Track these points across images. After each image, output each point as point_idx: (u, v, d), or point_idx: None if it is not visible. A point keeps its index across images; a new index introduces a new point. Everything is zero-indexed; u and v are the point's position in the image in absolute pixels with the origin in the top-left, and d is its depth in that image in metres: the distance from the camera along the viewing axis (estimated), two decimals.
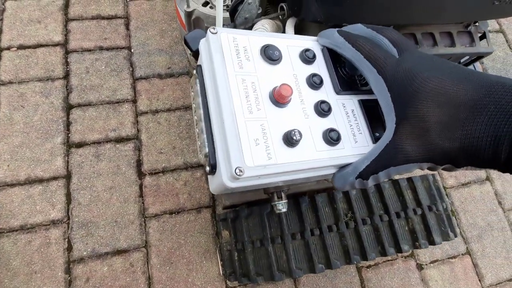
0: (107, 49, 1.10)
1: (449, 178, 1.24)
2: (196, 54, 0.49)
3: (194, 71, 0.41)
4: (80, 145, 0.97)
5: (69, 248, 0.86)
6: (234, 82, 0.33)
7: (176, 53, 1.15)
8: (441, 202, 0.75)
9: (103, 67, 1.07)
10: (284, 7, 0.59)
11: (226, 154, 0.32)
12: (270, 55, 0.37)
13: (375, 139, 0.40)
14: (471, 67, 0.93)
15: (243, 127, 0.32)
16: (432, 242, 0.70)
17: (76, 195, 0.91)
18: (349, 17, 0.56)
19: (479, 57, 0.79)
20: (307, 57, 0.40)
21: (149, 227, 0.92)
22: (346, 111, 0.39)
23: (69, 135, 0.97)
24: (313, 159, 0.34)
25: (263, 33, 0.41)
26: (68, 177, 0.93)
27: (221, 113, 0.32)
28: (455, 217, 1.20)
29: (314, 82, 0.38)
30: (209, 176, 0.39)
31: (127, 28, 1.15)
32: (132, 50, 1.12)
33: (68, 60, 1.05)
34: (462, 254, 1.12)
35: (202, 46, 0.38)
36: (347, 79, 0.41)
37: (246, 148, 0.31)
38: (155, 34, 1.16)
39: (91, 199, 0.92)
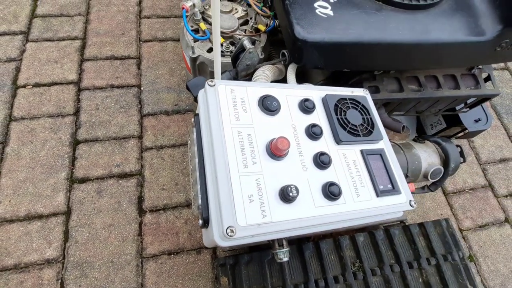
0: (118, 87, 1.14)
1: (465, 219, 1.17)
2: (197, 99, 0.49)
3: (192, 120, 0.41)
4: (83, 180, 0.97)
5: None
6: (229, 135, 0.33)
7: (184, 90, 1.18)
8: (457, 251, 0.70)
9: (112, 104, 1.11)
10: (286, 53, 0.61)
11: (218, 211, 0.30)
12: (268, 106, 0.37)
13: (380, 192, 0.38)
14: (479, 108, 0.92)
15: (236, 183, 0.30)
16: None
17: (74, 233, 0.89)
18: (350, 64, 0.57)
19: (485, 98, 0.78)
20: (306, 107, 0.39)
21: (146, 268, 0.88)
22: (348, 162, 0.38)
23: (74, 170, 0.98)
24: (311, 216, 0.32)
25: (262, 83, 0.41)
26: (68, 213, 0.91)
27: (214, 167, 0.31)
28: (475, 263, 1.11)
29: (314, 133, 0.37)
30: (203, 230, 0.37)
31: (139, 68, 1.20)
32: (142, 88, 1.16)
33: (80, 97, 1.10)
34: None
35: (200, 96, 0.39)
36: (349, 128, 0.40)
37: (239, 206, 0.29)
38: (164, 73, 1.21)
39: (89, 237, 0.89)
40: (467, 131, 0.98)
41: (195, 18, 0.66)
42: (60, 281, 0.82)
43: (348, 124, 0.40)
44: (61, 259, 0.85)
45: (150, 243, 0.92)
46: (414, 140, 0.77)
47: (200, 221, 0.34)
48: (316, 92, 0.44)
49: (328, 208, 0.34)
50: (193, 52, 0.62)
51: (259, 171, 0.33)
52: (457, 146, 0.77)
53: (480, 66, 0.76)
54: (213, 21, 0.30)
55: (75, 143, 1.02)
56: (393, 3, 0.54)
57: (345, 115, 0.41)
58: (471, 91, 0.74)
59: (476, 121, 0.98)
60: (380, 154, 0.41)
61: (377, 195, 0.38)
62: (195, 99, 0.51)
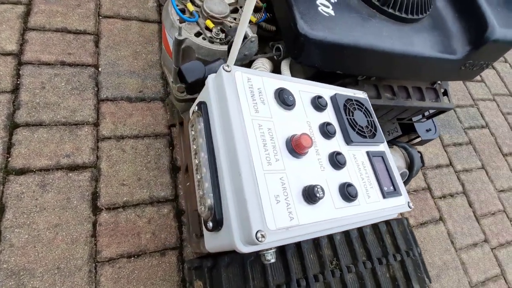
0: (70, 65, 0.99)
1: (410, 218, 1.31)
2: (191, 86, 0.44)
3: (194, 108, 0.36)
4: (22, 172, 0.81)
5: None
6: (251, 128, 0.30)
7: (150, 76, 1.08)
8: (416, 247, 0.77)
9: (63, 84, 0.95)
10: (281, 47, 0.59)
11: (243, 213, 0.27)
12: (285, 99, 0.35)
13: (385, 194, 0.38)
14: (430, 122, 1.03)
15: (263, 182, 0.27)
16: None
17: (9, 235, 0.74)
18: (343, 67, 0.58)
19: (442, 111, 0.88)
20: (320, 104, 0.38)
21: (101, 274, 0.78)
22: (357, 164, 0.38)
23: (9, 159, 0.81)
24: (333, 218, 0.31)
25: (276, 75, 0.39)
26: (0, 211, 0.75)
27: (236, 164, 0.28)
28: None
29: (328, 131, 0.36)
30: (208, 233, 0.33)
31: (96, 46, 1.06)
32: (100, 69, 1.02)
33: (21, 72, 0.92)
34: None
35: (211, 82, 0.34)
36: (357, 129, 0.40)
37: (267, 208, 0.27)
38: (127, 55, 1.09)
39: (29, 239, 0.75)
40: (419, 139, 1.10)
41: None
42: None
43: (356, 125, 0.40)
44: None
45: (106, 245, 0.81)
46: None
47: (210, 224, 0.31)
48: (325, 90, 0.43)
49: (346, 209, 0.33)
50: (180, 34, 0.56)
51: (282, 169, 0.30)
52: (418, 152, 0.85)
53: (440, 82, 0.85)
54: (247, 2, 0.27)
55: (12, 126, 0.85)
56: (386, 13, 0.56)
57: (352, 115, 0.41)
58: (433, 104, 0.82)
59: (427, 130, 1.10)
60: (382, 156, 0.42)
61: (384, 197, 0.38)
62: (189, 87, 0.46)
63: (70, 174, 0.85)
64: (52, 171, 0.84)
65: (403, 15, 0.57)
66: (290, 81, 0.39)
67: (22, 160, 0.82)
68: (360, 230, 0.72)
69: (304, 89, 0.40)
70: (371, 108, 0.46)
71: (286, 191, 0.29)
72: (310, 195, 0.29)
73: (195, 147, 0.35)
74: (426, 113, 0.96)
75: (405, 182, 0.80)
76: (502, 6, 0.61)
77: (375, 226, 0.74)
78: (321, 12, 0.51)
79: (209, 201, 0.31)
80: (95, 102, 0.97)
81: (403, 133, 1.11)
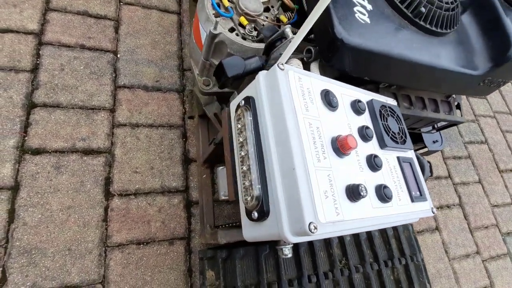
0: (90, 49, 0.99)
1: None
2: (226, 82, 0.46)
3: (241, 102, 0.38)
4: (38, 152, 0.81)
5: (3, 280, 0.67)
6: (303, 126, 0.31)
7: (167, 67, 1.08)
8: (419, 253, 0.80)
9: (81, 68, 0.95)
10: (312, 50, 0.61)
11: (294, 205, 0.28)
12: (330, 101, 0.36)
13: (414, 198, 0.40)
14: (437, 134, 1.05)
15: (314, 178, 0.29)
16: None
17: (22, 213, 0.74)
18: (372, 74, 0.60)
19: (453, 124, 0.90)
20: (359, 108, 0.40)
21: (110, 258, 0.78)
22: (390, 168, 0.40)
23: (26, 138, 0.81)
24: (371, 217, 0.33)
25: (321, 76, 0.40)
26: (15, 189, 0.76)
27: (290, 159, 0.29)
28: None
29: (367, 135, 0.38)
30: (249, 223, 0.34)
31: (116, 32, 1.06)
32: (119, 56, 1.02)
33: (41, 52, 0.91)
34: None
35: (262, 79, 0.36)
36: (390, 134, 0.42)
37: (318, 201, 0.28)
38: (146, 43, 1.09)
39: (42, 219, 0.75)
40: (426, 149, 1.12)
41: None
42: (1, 268, 0.68)
43: (390, 131, 0.42)
44: (3, 243, 0.70)
45: (117, 230, 0.82)
46: None
47: (255, 214, 0.32)
48: (362, 95, 0.45)
49: (382, 209, 0.35)
50: (215, 28, 0.57)
51: (329, 166, 0.32)
52: (428, 162, 0.88)
53: (454, 96, 0.88)
54: (314, 12, 0.28)
55: (30, 106, 0.85)
56: (417, 25, 0.58)
57: (387, 121, 0.43)
58: (446, 116, 0.84)
59: (434, 142, 1.13)
60: (410, 162, 0.44)
61: (412, 201, 0.40)
62: (225, 81, 0.47)
63: (85, 158, 0.86)
64: (67, 153, 0.84)
65: (433, 28, 0.59)
66: (333, 84, 0.41)
67: (39, 140, 0.82)
68: (368, 233, 0.75)
69: (345, 93, 0.41)
70: (401, 115, 0.47)
71: (332, 188, 0.31)
72: (354, 193, 0.31)
73: (241, 140, 0.36)
74: (436, 125, 0.98)
75: None
76: None
77: (382, 230, 0.77)
78: (358, 18, 0.52)
79: (256, 192, 0.32)
80: (112, 88, 0.97)
81: (412, 142, 1.13)
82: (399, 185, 0.39)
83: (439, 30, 0.59)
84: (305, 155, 0.30)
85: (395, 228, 0.79)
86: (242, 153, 0.35)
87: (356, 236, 0.73)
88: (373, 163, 0.36)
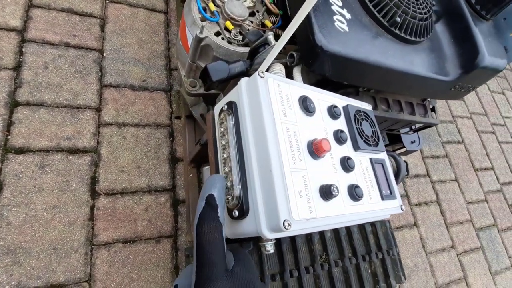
0: (75, 47, 0.98)
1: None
2: (211, 85, 0.48)
3: (223, 107, 0.40)
4: (21, 151, 0.80)
5: None
6: (281, 130, 0.34)
7: (154, 67, 1.09)
8: (395, 247, 0.84)
9: (66, 66, 0.94)
10: (295, 55, 0.63)
11: (271, 204, 0.31)
12: (307, 106, 0.39)
13: (384, 196, 0.44)
14: (415, 134, 1.11)
15: (289, 178, 0.32)
16: (389, 285, 0.77)
17: (6, 213, 0.73)
18: (350, 78, 0.63)
19: (428, 126, 0.96)
20: (335, 113, 0.43)
21: (97, 257, 0.79)
22: (363, 168, 0.43)
23: (9, 137, 0.80)
24: (342, 214, 0.36)
25: (299, 83, 0.43)
26: None
27: (267, 161, 0.32)
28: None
29: (341, 138, 0.41)
30: (230, 220, 0.37)
31: (102, 30, 1.05)
32: (105, 54, 1.02)
33: (24, 50, 0.90)
34: None
35: (244, 85, 0.38)
36: (364, 137, 0.45)
37: (293, 200, 0.31)
38: (133, 42, 1.09)
39: (26, 219, 0.75)
40: (404, 149, 1.18)
41: None
42: None
43: (363, 134, 0.45)
44: None
45: (103, 229, 0.82)
46: None
47: (236, 212, 0.35)
48: (338, 100, 0.48)
49: (353, 207, 0.38)
50: (201, 32, 0.59)
51: (304, 168, 0.35)
52: (405, 161, 0.93)
53: (429, 99, 0.93)
54: (297, 18, 0.31)
55: (13, 104, 0.83)
56: (392, 33, 0.62)
57: (361, 125, 0.46)
58: (421, 118, 0.89)
59: (412, 142, 1.19)
60: (382, 163, 0.47)
61: (382, 199, 0.44)
62: (210, 85, 0.49)
63: (70, 157, 0.85)
64: (52, 152, 0.84)
65: (407, 37, 0.63)
66: (311, 90, 0.43)
67: (22, 139, 0.81)
68: (348, 229, 0.78)
69: (322, 98, 0.44)
70: (375, 119, 0.51)
71: (307, 188, 0.33)
72: (327, 192, 0.34)
73: (223, 143, 0.38)
74: (415, 126, 1.04)
75: None
76: (493, 36, 0.68)
77: (361, 226, 0.81)
78: (337, 27, 0.55)
79: (237, 191, 0.34)
80: (98, 87, 0.97)
81: (390, 142, 1.19)
82: (371, 185, 0.43)
83: (413, 38, 0.63)
84: (281, 158, 0.32)
85: (373, 224, 0.83)
86: (225, 155, 0.37)
87: (336, 232, 0.77)
88: (346, 164, 0.39)
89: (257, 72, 0.37)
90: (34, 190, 0.78)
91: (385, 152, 0.49)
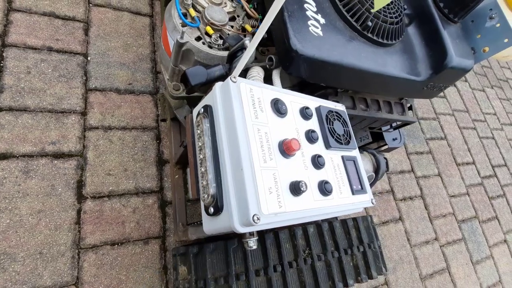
0: (58, 51, 0.98)
1: (374, 217, 1.45)
2: (191, 89, 0.50)
3: (200, 110, 0.42)
4: (4, 156, 0.80)
5: None
6: (252, 132, 0.36)
7: (140, 70, 1.10)
8: (376, 240, 0.88)
9: (49, 70, 0.94)
10: (273, 58, 0.66)
11: (242, 200, 0.33)
12: (279, 108, 0.41)
13: (354, 191, 0.47)
14: (397, 132, 1.15)
15: (259, 176, 0.34)
16: (370, 277, 0.81)
17: None
18: (326, 80, 0.66)
19: (406, 124, 1.00)
20: (306, 114, 0.45)
21: (84, 260, 0.80)
22: (334, 165, 0.46)
23: None
24: (312, 208, 0.39)
25: (272, 86, 0.45)
26: None
27: (239, 161, 0.34)
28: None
29: (312, 137, 0.44)
30: (207, 217, 0.39)
31: (86, 34, 1.05)
32: (89, 58, 1.02)
33: (4, 54, 0.89)
34: (381, 285, 1.28)
35: (218, 89, 0.40)
36: (335, 136, 0.48)
37: (262, 196, 0.33)
38: (118, 46, 1.09)
39: (10, 224, 0.75)
40: (386, 146, 1.22)
41: (185, 2, 0.64)
42: None
43: (335, 133, 0.48)
44: None
45: (90, 232, 0.83)
46: None
47: (211, 209, 0.37)
48: (311, 102, 0.50)
49: (323, 202, 0.41)
50: (182, 37, 0.60)
51: (275, 166, 0.37)
52: (385, 158, 0.96)
53: (406, 98, 0.97)
54: (264, 21, 0.33)
55: None
56: (365, 37, 0.65)
57: (332, 125, 0.49)
58: (399, 117, 0.93)
59: (394, 139, 1.23)
60: (354, 160, 0.50)
61: (353, 193, 0.47)
62: (190, 89, 0.51)
63: (55, 161, 0.86)
64: (36, 157, 0.84)
65: (380, 40, 0.66)
66: (283, 93, 0.46)
67: (5, 145, 0.81)
68: (330, 224, 0.81)
69: (294, 100, 0.46)
70: (348, 119, 0.54)
71: (277, 185, 0.36)
72: (296, 188, 0.36)
73: (200, 144, 0.40)
74: (396, 123, 1.08)
75: (371, 184, 0.90)
76: (461, 39, 0.72)
77: (343, 222, 0.84)
78: (312, 31, 0.58)
79: (212, 190, 0.37)
80: (83, 91, 0.97)
81: (373, 140, 1.23)
82: (341, 180, 0.45)
83: (385, 41, 0.66)
84: (252, 157, 0.34)
85: (355, 219, 0.86)
86: (201, 156, 0.39)
87: (319, 227, 0.79)
88: (317, 162, 0.42)
89: (229, 77, 0.39)
90: (18, 196, 0.78)
91: (357, 150, 0.52)
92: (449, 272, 1.50)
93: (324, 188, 0.40)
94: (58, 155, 0.87)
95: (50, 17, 1.01)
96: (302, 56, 0.55)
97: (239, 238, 0.67)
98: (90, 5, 1.10)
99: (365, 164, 0.90)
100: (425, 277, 1.42)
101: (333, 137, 0.47)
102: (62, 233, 0.80)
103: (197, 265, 0.68)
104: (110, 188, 0.90)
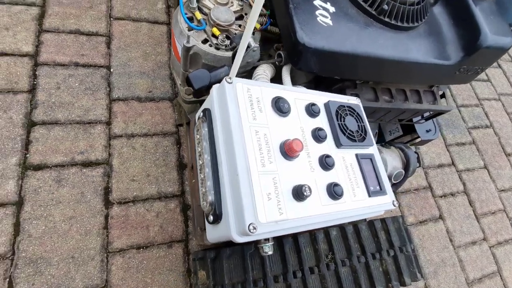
0: (84, 66, 1.04)
1: (409, 216, 1.34)
2: (197, 92, 0.49)
3: (199, 114, 0.41)
4: (39, 167, 0.87)
5: None
6: (248, 134, 0.34)
7: (159, 77, 1.12)
8: (409, 244, 0.80)
9: (76, 84, 1.00)
10: (282, 54, 0.63)
11: (238, 208, 0.31)
12: (280, 107, 0.38)
13: (371, 193, 0.42)
14: (431, 123, 1.05)
15: (256, 181, 0.32)
16: (403, 283, 0.74)
17: (27, 226, 0.80)
18: (340, 73, 0.61)
19: (440, 113, 0.90)
20: (313, 111, 0.42)
21: (112, 264, 0.83)
22: (346, 165, 0.41)
23: (27, 155, 0.87)
24: (319, 214, 0.35)
25: (273, 84, 0.42)
26: (19, 204, 0.81)
27: (234, 166, 0.32)
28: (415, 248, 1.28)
29: (319, 136, 0.40)
30: (209, 225, 0.37)
31: (108, 47, 1.10)
32: (112, 70, 1.07)
33: (37, 73, 0.97)
34: None
35: (215, 92, 0.38)
36: (347, 133, 0.44)
37: (260, 204, 0.31)
38: (138, 56, 1.13)
39: (45, 230, 0.81)
40: (419, 139, 1.12)
41: (190, 5, 0.64)
42: (8, 279, 0.73)
43: (347, 130, 0.44)
44: (9, 255, 0.76)
45: (117, 237, 0.87)
46: (381, 145, 0.86)
47: (211, 217, 0.35)
48: (319, 97, 0.47)
49: (332, 206, 0.37)
50: (188, 42, 0.60)
51: (275, 170, 0.34)
52: (415, 152, 0.88)
53: (438, 85, 0.88)
54: (250, 17, 0.31)
55: (30, 124, 0.90)
56: (382, 22, 0.59)
57: (344, 121, 0.45)
58: (430, 106, 0.84)
59: (427, 131, 1.12)
60: (371, 158, 0.46)
61: (369, 195, 0.42)
62: (195, 92, 0.50)
63: (84, 170, 0.91)
64: (67, 167, 0.89)
65: (399, 24, 0.60)
66: (287, 90, 0.43)
67: (39, 157, 0.88)
68: (355, 226, 0.76)
69: (299, 97, 0.43)
70: (363, 113, 0.49)
71: (277, 190, 0.33)
72: (299, 193, 0.33)
73: (199, 150, 0.39)
74: (426, 115, 0.98)
75: (401, 182, 0.83)
76: (495, 14, 0.63)
77: (370, 223, 0.78)
78: (320, 22, 0.54)
79: (210, 197, 0.35)
80: (107, 102, 1.02)
81: (405, 133, 1.13)
82: (355, 182, 0.41)
83: (405, 24, 0.60)
84: (248, 162, 0.32)
85: (383, 221, 0.80)
86: (200, 162, 0.38)
87: (343, 230, 0.75)
88: (325, 162, 0.38)
89: (224, 78, 0.37)
90: (52, 203, 0.84)
91: (374, 146, 0.47)
92: (500, 276, 1.34)
93: (333, 191, 0.37)
94: (87, 164, 0.92)
95: (76, 34, 1.07)
96: (310, 49, 0.52)
97: (255, 242, 0.65)
98: (111, 19, 1.15)
99: (392, 160, 0.83)
100: (473, 281, 1.28)
101: (344, 134, 0.43)
102: (91, 238, 0.84)
103: (215, 270, 0.67)
104: (135, 193, 0.93)
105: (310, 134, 0.41)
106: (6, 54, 0.96)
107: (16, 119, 0.89)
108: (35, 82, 0.96)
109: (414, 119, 1.02)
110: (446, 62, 0.64)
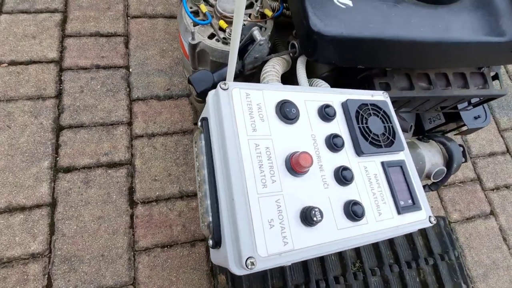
0: (104, 67, 1.05)
1: (454, 212, 1.20)
2: (201, 95, 0.44)
3: (199, 124, 0.36)
4: (68, 170, 0.91)
5: (49, 286, 0.78)
6: (246, 150, 0.29)
7: (176, 74, 1.11)
8: (453, 250, 0.71)
9: (98, 87, 1.02)
10: (296, 45, 0.56)
11: (235, 237, 0.27)
12: (286, 113, 0.33)
13: (401, 209, 0.35)
14: (480, 107, 0.91)
15: (256, 207, 0.27)
16: None
17: (61, 226, 0.84)
18: (365, 61, 0.53)
19: (490, 99, 0.76)
20: (327, 114, 0.36)
21: (139, 262, 0.86)
22: (369, 177, 0.35)
23: (58, 159, 0.91)
24: (334, 240, 0.30)
25: (279, 86, 0.37)
26: (53, 205, 0.86)
27: (230, 188, 0.27)
28: (460, 254, 1.16)
29: (335, 144, 0.34)
30: (210, 247, 0.33)
31: (126, 47, 1.11)
32: (131, 70, 1.08)
33: (62, 78, 1.00)
34: None
35: (211, 99, 0.34)
36: (370, 138, 0.37)
37: (259, 233, 0.26)
38: (155, 53, 1.12)
39: (77, 230, 0.85)
40: (465, 127, 0.97)
41: None
42: (47, 276, 0.79)
43: (370, 134, 0.37)
44: (47, 253, 0.81)
45: (143, 236, 0.89)
46: (418, 138, 0.76)
47: (211, 242, 0.31)
48: (335, 96, 0.40)
49: (351, 230, 0.31)
50: (193, 38, 0.56)
51: (279, 190, 0.29)
52: (460, 145, 0.76)
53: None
54: (235, 18, 0.25)
55: (59, 129, 0.94)
56: None
57: (366, 123, 0.38)
58: (479, 91, 0.71)
59: (476, 118, 0.97)
60: (401, 166, 0.38)
61: (398, 213, 0.35)
62: (199, 95, 0.46)
63: (109, 171, 0.93)
64: (93, 168, 0.92)
65: None
66: (295, 91, 0.37)
67: (68, 159, 0.92)
68: None
69: (310, 98, 0.37)
70: (391, 111, 0.41)
71: (281, 214, 0.28)
72: (307, 217, 0.28)
73: (197, 164, 0.35)
74: (474, 100, 0.84)
75: (443, 180, 0.72)
76: None
77: None
78: (337, 4, 0.46)
79: (209, 219, 0.31)
80: (127, 102, 1.03)
81: (448, 120, 0.99)
82: (381, 197, 0.35)
83: None
84: (245, 183, 0.28)
85: None
86: (199, 178, 0.34)
87: None
88: (341, 176, 0.32)
89: (219, 84, 0.32)
90: (82, 204, 0.88)
91: (405, 151, 0.40)
92: None
93: (352, 211, 0.31)
94: (111, 165, 0.94)
95: (96, 36, 1.09)
96: (326, 38, 0.45)
97: None
98: (128, 18, 1.15)
99: (432, 156, 0.72)
100: None
101: (367, 139, 0.36)
102: (119, 237, 0.87)
103: (234, 276, 0.65)
104: (157, 193, 0.94)
105: (323, 143, 0.35)
106: (34, 62, 1.00)
107: (46, 124, 0.94)
108: (61, 87, 0.99)
109: (460, 106, 0.89)
110: (500, 39, 0.53)
